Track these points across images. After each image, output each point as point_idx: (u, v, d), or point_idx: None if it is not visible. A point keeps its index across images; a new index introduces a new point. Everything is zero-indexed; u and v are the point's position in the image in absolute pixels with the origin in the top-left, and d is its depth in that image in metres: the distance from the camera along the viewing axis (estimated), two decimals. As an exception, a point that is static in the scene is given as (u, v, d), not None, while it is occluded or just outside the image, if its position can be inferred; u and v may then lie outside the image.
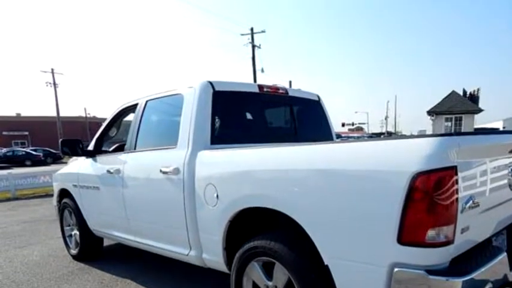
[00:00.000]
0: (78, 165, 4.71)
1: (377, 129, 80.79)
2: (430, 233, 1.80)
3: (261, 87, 3.70)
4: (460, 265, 1.91)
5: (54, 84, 42.98)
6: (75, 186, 4.68)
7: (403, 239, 1.83)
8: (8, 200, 11.45)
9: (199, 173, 2.98)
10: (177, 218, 3.15)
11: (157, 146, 3.55)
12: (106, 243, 5.21)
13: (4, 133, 52.56)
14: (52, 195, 5.72)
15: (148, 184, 3.50)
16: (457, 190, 1.82)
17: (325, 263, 2.17)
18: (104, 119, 4.71)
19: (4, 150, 36.93)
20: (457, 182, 1.82)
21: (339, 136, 25.71)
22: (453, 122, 30.00)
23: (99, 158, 4.37)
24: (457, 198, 1.83)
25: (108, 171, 3.95)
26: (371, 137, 40.83)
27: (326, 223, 2.14)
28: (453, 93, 31.47)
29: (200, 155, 3.03)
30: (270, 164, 2.51)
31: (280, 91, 3.86)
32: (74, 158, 5.02)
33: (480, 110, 30.08)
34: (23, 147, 42.92)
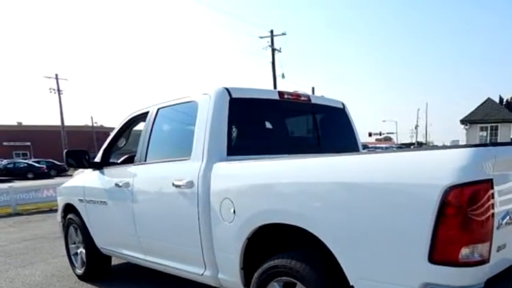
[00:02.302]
0: (84, 179, 4.81)
1: (407, 139, 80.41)
2: (464, 251, 1.81)
3: (281, 93, 3.74)
4: (496, 286, 1.92)
5: (59, 90, 43.71)
6: (80, 200, 4.77)
7: (435, 257, 1.84)
8: (9, 215, 11.63)
9: (215, 187, 3.02)
10: (191, 235, 3.19)
11: (170, 158, 3.62)
12: (114, 262, 5.28)
13: (4, 143, 53.43)
14: (56, 211, 5.82)
15: (159, 198, 3.56)
16: (492, 205, 1.84)
17: (351, 284, 2.19)
18: (112, 129, 4.80)
19: (4, 161, 37.56)
20: (492, 196, 1.83)
21: (365, 147, 25.60)
22: (488, 131, 29.62)
23: (107, 170, 4.46)
24: (492, 214, 1.84)
25: (117, 185, 4.03)
26: (400, 147, 40.59)
27: (351, 240, 2.17)
28: (488, 100, 31.12)
29: (216, 167, 3.08)
30: (291, 177, 2.54)
31: (302, 98, 3.90)
32: (80, 170, 5.13)
33: (518, 119, 29.67)
34: (25, 159, 43.64)
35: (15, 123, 60.06)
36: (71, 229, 5.18)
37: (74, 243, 5.20)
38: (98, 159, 4.66)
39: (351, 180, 2.19)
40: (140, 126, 4.29)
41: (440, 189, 1.80)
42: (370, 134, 56.88)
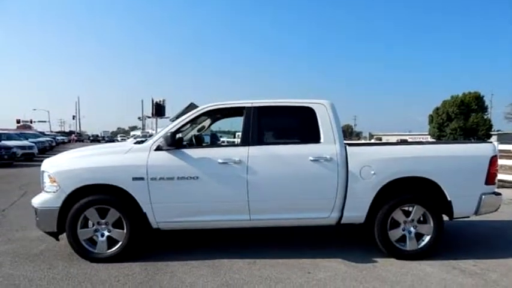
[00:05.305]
0: (141, 158, 5.45)
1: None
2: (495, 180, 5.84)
3: None
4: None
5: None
6: (137, 179, 5.32)
7: (488, 182, 5.67)
8: None
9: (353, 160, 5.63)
10: (327, 193, 5.53)
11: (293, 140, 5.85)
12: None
13: None
14: None
15: (293, 169, 5.49)
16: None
17: (449, 199, 5.62)
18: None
19: None
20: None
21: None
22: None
23: (191, 151, 5.54)
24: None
25: (224, 162, 5.38)
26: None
27: (450, 178, 5.65)
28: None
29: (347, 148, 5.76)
30: (418, 152, 5.93)
31: None
32: (94, 152, 5.77)
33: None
34: None
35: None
36: (91, 212, 5.41)
37: (93, 225, 5.48)
38: (159, 142, 5.49)
39: (450, 155, 5.69)
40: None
41: (490, 156, 5.70)
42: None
